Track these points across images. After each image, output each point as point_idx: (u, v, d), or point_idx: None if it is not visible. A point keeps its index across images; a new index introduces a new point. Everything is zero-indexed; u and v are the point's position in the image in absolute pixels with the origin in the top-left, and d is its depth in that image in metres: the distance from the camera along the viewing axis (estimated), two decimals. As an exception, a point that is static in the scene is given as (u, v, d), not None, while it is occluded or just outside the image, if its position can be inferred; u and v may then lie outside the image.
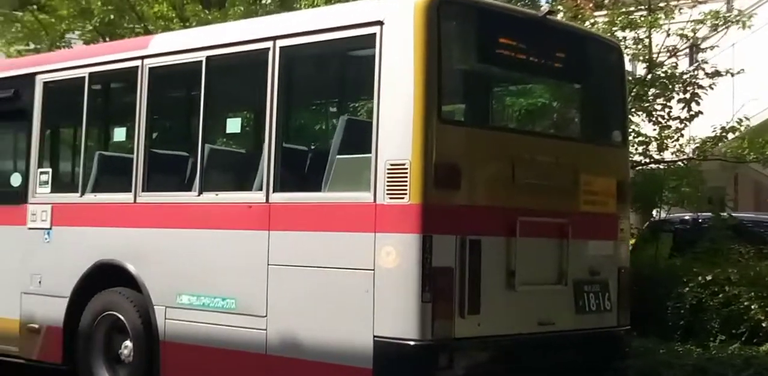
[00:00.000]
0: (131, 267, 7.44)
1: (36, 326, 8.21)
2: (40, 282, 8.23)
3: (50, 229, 8.18)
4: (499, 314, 6.15)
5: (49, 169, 8.35)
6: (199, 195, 7.05)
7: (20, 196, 8.53)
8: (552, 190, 6.55)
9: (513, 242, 6.21)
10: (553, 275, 6.57)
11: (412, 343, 5.73)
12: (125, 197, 7.58)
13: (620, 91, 7.47)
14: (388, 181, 5.87)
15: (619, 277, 7.12)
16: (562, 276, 6.60)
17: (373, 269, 5.90)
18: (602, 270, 6.96)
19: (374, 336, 5.88)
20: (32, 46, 14.42)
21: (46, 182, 8.31)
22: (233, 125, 7.26)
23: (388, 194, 5.87)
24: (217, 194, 6.96)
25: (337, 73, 6.88)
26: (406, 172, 5.79)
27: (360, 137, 6.19)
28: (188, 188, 7.26)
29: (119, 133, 8.08)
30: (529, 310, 6.38)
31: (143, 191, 7.46)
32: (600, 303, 6.88)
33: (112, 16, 12.76)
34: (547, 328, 6.47)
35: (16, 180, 8.81)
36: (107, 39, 13.82)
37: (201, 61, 7.08)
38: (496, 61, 6.50)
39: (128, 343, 7.54)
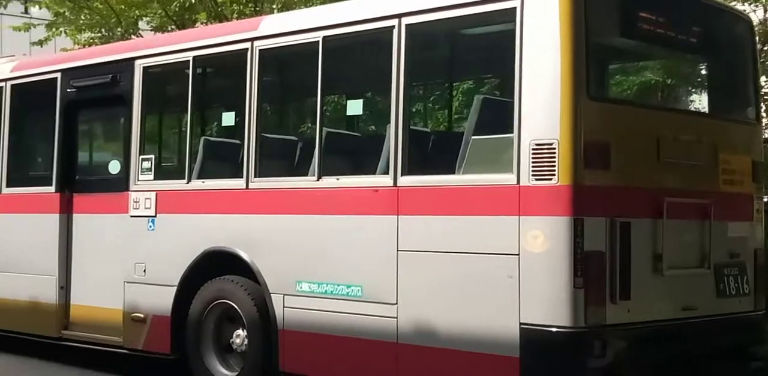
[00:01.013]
0: (244, 255, 7.25)
1: (141, 315, 8.05)
2: (144, 271, 8.07)
3: (154, 216, 8.01)
4: (647, 299, 5.89)
5: (152, 156, 8.18)
6: (318, 180, 6.83)
7: (121, 183, 8.37)
8: (694, 169, 6.28)
9: (660, 224, 5.95)
10: (696, 258, 6.30)
11: (564, 330, 5.49)
12: (236, 183, 7.38)
13: (752, 66, 7.17)
14: (533, 162, 5.62)
15: (756, 259, 6.84)
16: (704, 259, 6.33)
17: (518, 254, 5.66)
18: (740, 252, 6.68)
19: (520, 323, 5.64)
20: (103, 32, 14.23)
21: (149, 169, 8.13)
22: (354, 107, 7.02)
23: (533, 175, 5.62)
24: (338, 179, 6.74)
25: (470, 51, 6.63)
26: (554, 152, 5.54)
27: (498, 117, 5.95)
28: (305, 172, 7.04)
29: (227, 118, 7.86)
30: (674, 295, 6.11)
31: (256, 176, 7.25)
32: (739, 287, 6.60)
33: (193, 0, 12.52)
34: (690, 313, 6.21)
35: (115, 167, 8.66)
36: (178, 27, 13.64)
37: (317, 42, 6.85)
38: (636, 36, 6.22)
39: (241, 332, 7.36)
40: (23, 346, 9.46)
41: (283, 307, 6.98)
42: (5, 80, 9.71)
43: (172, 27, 14.20)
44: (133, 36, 13.85)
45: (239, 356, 7.45)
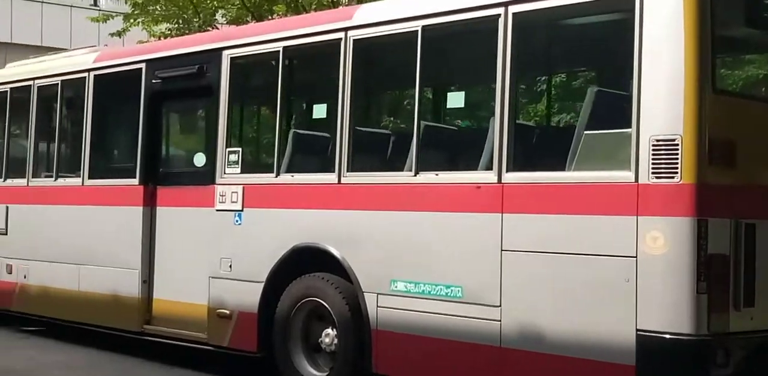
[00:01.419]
0: (335, 251, 7.02)
1: (227, 311, 7.87)
2: (230, 266, 7.89)
3: (241, 211, 7.82)
4: (770, 306, 5.55)
5: (239, 149, 7.98)
6: (415, 175, 6.57)
7: (206, 176, 8.20)
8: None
9: (786, 226, 5.59)
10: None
11: (685, 338, 5.17)
12: (328, 178, 7.15)
13: None
14: (653, 159, 5.30)
15: None
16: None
17: (635, 256, 5.35)
18: None
19: (637, 329, 5.33)
20: (180, 24, 14.10)
21: (236, 162, 7.94)
22: (455, 99, 6.75)
23: (653, 172, 5.30)
24: (437, 174, 6.47)
25: (581, 41, 6.32)
26: (677, 149, 5.21)
27: (613, 111, 5.64)
28: (399, 167, 6.78)
29: (319, 111, 7.64)
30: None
31: (349, 171, 7.02)
32: None
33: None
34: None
35: (200, 160, 8.49)
36: (255, 19, 13.46)
37: (416, 32, 6.59)
38: (761, 25, 5.84)
39: (330, 331, 7.14)
40: (104, 339, 9.36)
41: (377, 306, 6.73)
42: (88, 71, 9.61)
43: (248, 19, 14.05)
44: (209, 28, 13.69)
45: (328, 356, 7.23)
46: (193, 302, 8.32)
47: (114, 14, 15.18)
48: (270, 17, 13.29)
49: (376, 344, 6.74)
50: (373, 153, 7.30)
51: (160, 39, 14.15)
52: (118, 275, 9.01)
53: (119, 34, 14.46)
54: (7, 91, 10.79)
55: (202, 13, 13.56)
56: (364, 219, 6.86)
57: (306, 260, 7.31)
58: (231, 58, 8.03)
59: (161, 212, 8.76)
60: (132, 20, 14.23)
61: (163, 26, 14.23)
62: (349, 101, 7.03)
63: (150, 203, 8.82)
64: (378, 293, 6.73)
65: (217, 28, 13.92)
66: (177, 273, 8.55)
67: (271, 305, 7.50)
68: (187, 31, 14.30)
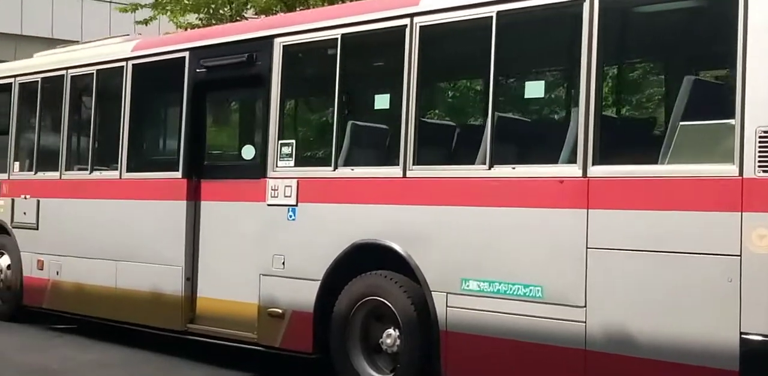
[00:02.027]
0: (400, 249, 6.71)
1: (279, 310, 7.56)
2: (283, 263, 7.57)
3: (295, 206, 7.50)
4: None
5: (292, 141, 7.66)
6: (489, 169, 6.25)
7: (256, 170, 7.88)
8: None
9: None
10: None
11: (796, 342, 4.87)
12: (392, 172, 6.83)
13: None
14: (760, 152, 4.98)
15: None
16: None
17: (740, 255, 5.03)
18: None
19: (741, 333, 5.02)
20: (210, 12, 13.74)
21: (289, 155, 7.62)
22: (534, 89, 6.41)
23: (760, 166, 4.98)
24: (513, 168, 6.15)
25: (677, 27, 5.99)
26: (788, 141, 4.91)
27: (712, 101, 5.34)
28: (470, 160, 6.46)
29: (381, 101, 7.30)
30: None
31: (414, 164, 6.70)
32: None
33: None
34: None
35: (248, 153, 8.18)
36: (287, 9, 13.13)
37: (490, 17, 6.26)
38: None
39: (392, 331, 6.83)
40: (140, 338, 9.06)
41: (446, 306, 6.42)
42: (126, 60, 9.29)
43: (276, 9, 13.72)
44: (238, 19, 13.35)
45: (389, 358, 6.93)
46: (241, 301, 8.01)
47: (142, 4, 14.82)
48: (301, 8, 12.96)
49: (445, 345, 6.43)
50: (440, 146, 6.98)
51: (186, 30, 13.80)
52: (159, 272, 8.70)
53: (146, 22, 14.13)
54: (37, 81, 10.48)
55: (234, 3, 13.22)
56: (432, 215, 6.55)
57: (367, 257, 6.99)
58: (284, 46, 7.71)
59: (206, 206, 8.45)
60: (160, 9, 13.89)
61: (192, 16, 13.89)
62: (414, 91, 6.71)
63: (194, 197, 8.50)
64: (448, 293, 6.41)
65: (246, 19, 13.59)
66: (223, 270, 8.25)
67: (328, 304, 7.20)
68: (215, 22, 13.97)
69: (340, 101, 7.31)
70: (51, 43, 29.39)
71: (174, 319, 8.51)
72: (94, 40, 10.71)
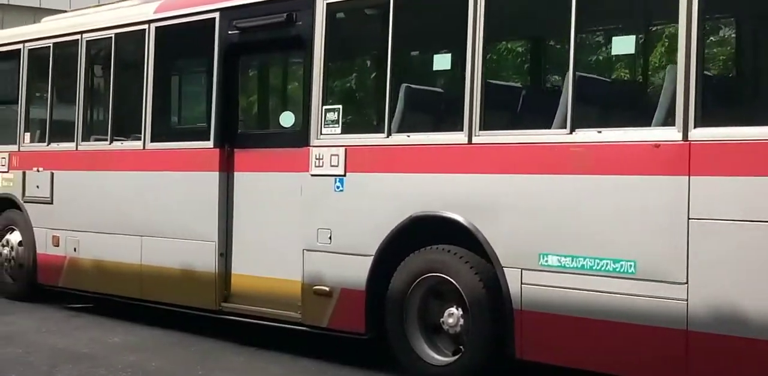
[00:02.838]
0: (465, 221, 6.19)
1: (326, 288, 7.04)
2: (330, 238, 7.05)
3: (343, 176, 6.96)
4: None
5: (339, 107, 7.09)
6: (571, 133, 5.72)
7: (298, 138, 7.34)
8: None
9: None
10: None
11: None
12: (455, 138, 6.29)
13: None
14: None
15: None
16: None
17: None
18: None
19: None
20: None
21: (335, 122, 7.07)
22: (622, 45, 5.85)
23: None
24: (599, 132, 5.62)
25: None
26: None
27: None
28: (547, 125, 5.93)
29: (441, 61, 6.73)
30: None
31: (481, 129, 6.17)
32: None
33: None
34: None
35: (288, 120, 7.64)
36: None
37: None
38: None
39: (454, 310, 6.34)
40: (175, 318, 8.53)
41: (521, 283, 5.91)
42: (148, 22, 8.69)
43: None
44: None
45: (450, 338, 6.44)
46: (281, 278, 7.50)
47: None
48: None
49: (520, 326, 5.92)
50: (508, 109, 6.45)
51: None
52: (189, 248, 8.16)
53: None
54: (49, 46, 9.86)
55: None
56: (504, 184, 6.02)
57: (426, 231, 6.48)
58: (327, 3, 7.13)
59: (240, 177, 7.90)
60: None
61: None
62: (480, 50, 6.16)
63: (226, 168, 7.95)
64: (522, 269, 5.90)
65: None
66: (260, 245, 7.72)
67: (382, 281, 6.69)
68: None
69: (394, 62, 6.75)
70: (39, 13, 29.09)
71: (207, 297, 7.98)
72: (108, 4, 10.10)
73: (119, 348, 7.77)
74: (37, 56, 10.10)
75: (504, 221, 6.00)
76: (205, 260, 7.99)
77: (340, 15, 7.22)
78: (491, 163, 6.10)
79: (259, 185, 7.75)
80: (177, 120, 9.10)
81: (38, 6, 30.33)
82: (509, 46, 6.80)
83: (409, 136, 6.62)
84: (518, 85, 6.70)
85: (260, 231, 7.72)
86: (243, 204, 7.87)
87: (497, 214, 6.04)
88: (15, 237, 10.22)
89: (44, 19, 10.82)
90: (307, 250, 7.21)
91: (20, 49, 10.20)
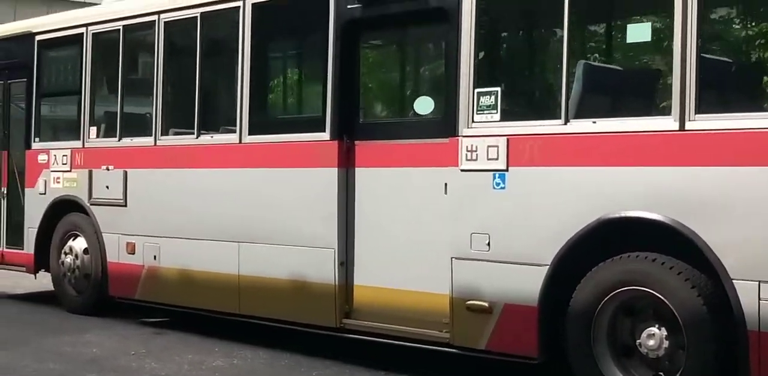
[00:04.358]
0: (678, 224, 5.11)
1: (484, 303, 5.97)
2: (488, 244, 5.98)
3: (505, 171, 5.89)
4: None
5: (496, 89, 6.01)
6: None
7: (440, 127, 6.28)
8: None
9: None
10: None
11: None
12: (662, 123, 5.22)
13: None
14: None
15: None
16: None
17: None
18: None
19: None
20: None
21: (491, 107, 5.99)
22: None
23: None
24: None
25: None
26: None
27: None
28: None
29: (638, 32, 5.55)
30: None
31: (697, 113, 5.09)
32: None
33: None
34: None
35: (425, 106, 6.60)
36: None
37: None
38: None
39: (655, 330, 5.29)
40: (281, 336, 7.46)
41: (759, 299, 4.85)
42: (243, -1, 7.61)
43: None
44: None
45: (647, 363, 5.38)
46: (420, 290, 6.44)
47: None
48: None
49: (757, 352, 4.85)
50: (730, 89, 5.38)
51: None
52: (301, 256, 7.09)
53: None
54: (118, 29, 8.77)
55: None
56: (735, 179, 4.94)
57: (619, 236, 5.42)
58: (478, -26, 6.07)
59: (363, 174, 6.83)
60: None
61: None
62: (695, 16, 5.09)
63: (346, 163, 6.87)
64: (761, 282, 4.84)
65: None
66: (390, 253, 6.65)
67: (559, 295, 5.63)
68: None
69: (570, 36, 5.67)
70: (52, 4, 28.05)
71: (325, 313, 6.91)
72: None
73: (230, 374, 6.69)
74: (104, 41, 9.02)
75: (735, 224, 4.93)
76: (322, 270, 6.92)
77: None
78: (714, 154, 5.02)
79: (388, 183, 6.68)
80: (281, 109, 7.98)
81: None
82: (726, 13, 5.71)
83: (594, 122, 5.54)
84: (728, 60, 5.62)
85: (390, 236, 6.65)
86: (367, 205, 6.80)
87: (725, 216, 4.96)
88: (79, 244, 9.14)
89: (105, 1, 9.72)
90: (457, 258, 6.14)
91: (83, 34, 9.11)
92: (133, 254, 8.50)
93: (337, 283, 6.85)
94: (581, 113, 5.62)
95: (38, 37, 9.67)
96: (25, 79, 9.84)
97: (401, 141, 6.61)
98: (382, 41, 7.13)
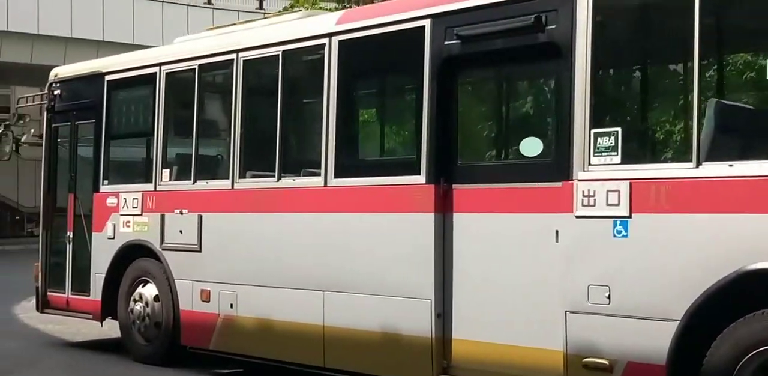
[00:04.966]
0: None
1: (604, 361, 5.50)
2: (608, 297, 5.52)
3: (628, 217, 5.45)
4: None
5: (616, 129, 5.58)
6: None
7: (552, 170, 5.88)
8: None
9: None
10: None
11: None
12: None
13: None
14: None
15: None
16: None
17: None
18: None
19: None
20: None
21: (610, 148, 5.56)
22: None
23: None
24: None
25: None
26: None
27: None
28: None
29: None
30: None
31: None
32: None
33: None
34: None
35: (533, 147, 6.18)
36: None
37: None
38: None
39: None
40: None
41: None
42: (329, 36, 7.27)
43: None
44: None
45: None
46: (529, 346, 5.99)
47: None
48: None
49: None
50: None
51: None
52: (394, 306, 6.66)
53: (291, 6, 12.17)
54: (194, 68, 8.46)
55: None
56: None
57: (761, 290, 4.94)
58: (594, 1, 5.69)
59: (461, 219, 6.41)
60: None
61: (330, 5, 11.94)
62: None
63: (443, 208, 6.46)
64: None
65: None
66: (494, 304, 6.20)
67: (691, 353, 5.15)
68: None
69: (701, 71, 5.25)
70: (102, 46, 28.28)
71: (420, 368, 6.46)
72: (256, 20, 8.74)
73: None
74: (178, 81, 8.72)
75: None
76: (417, 322, 6.49)
77: (612, 14, 5.77)
78: None
79: (490, 230, 6.25)
80: (371, 151, 7.59)
81: (101, 39, 29.59)
82: None
83: (731, 165, 5.10)
84: None
85: (492, 287, 6.21)
86: (466, 253, 6.37)
87: None
88: (149, 291, 8.77)
89: (177, 40, 9.47)
90: (572, 311, 5.68)
91: (155, 74, 8.82)
92: (208, 301, 8.11)
93: (433, 336, 6.41)
94: (715, 156, 5.19)
95: (108, 78, 9.40)
96: (93, 120, 9.56)
97: (505, 185, 6.20)
98: (483, 78, 6.74)
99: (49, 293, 9.97)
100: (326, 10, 12.10)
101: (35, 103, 10.63)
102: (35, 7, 29.37)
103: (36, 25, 29.47)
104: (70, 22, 29.80)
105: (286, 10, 12.41)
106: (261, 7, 32.94)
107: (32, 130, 10.80)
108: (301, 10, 8.45)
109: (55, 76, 10.18)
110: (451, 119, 6.53)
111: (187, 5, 32.28)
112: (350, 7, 11.52)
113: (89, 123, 9.65)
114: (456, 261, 6.42)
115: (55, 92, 10.05)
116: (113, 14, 30.30)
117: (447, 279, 6.45)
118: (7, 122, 10.65)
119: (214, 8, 32.71)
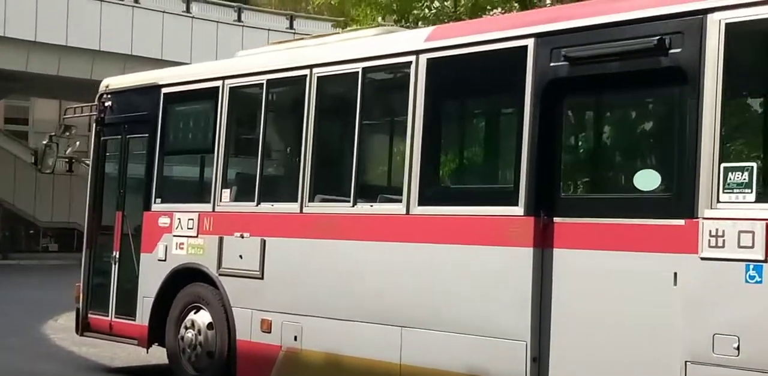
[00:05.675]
0: None
1: (730, 421, 5.00)
2: (737, 348, 5.02)
3: (763, 262, 4.96)
4: None
5: (751, 165, 5.09)
6: None
7: (672, 206, 5.39)
8: None
9: None
10: None
11: None
12: None
13: None
14: None
15: None
16: None
17: None
18: None
19: None
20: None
21: (743, 185, 5.08)
22: None
23: None
24: None
25: None
26: None
27: None
28: None
29: None
30: None
31: None
32: None
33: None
34: None
35: (649, 180, 5.69)
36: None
37: None
38: None
39: None
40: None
41: None
42: (416, 53, 6.80)
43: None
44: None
45: None
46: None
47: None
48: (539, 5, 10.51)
49: None
50: None
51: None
52: (483, 347, 6.15)
53: (345, 24, 11.80)
54: (261, 83, 7.99)
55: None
56: None
57: None
58: (727, 23, 5.22)
59: (563, 256, 5.91)
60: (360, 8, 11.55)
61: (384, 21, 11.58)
62: None
63: (543, 243, 5.97)
64: None
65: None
66: (598, 350, 5.69)
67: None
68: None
69: None
70: (129, 60, 28.04)
71: (512, 417, 5.95)
72: (329, 34, 8.30)
73: None
74: (243, 95, 8.27)
75: None
76: (510, 366, 5.98)
77: (745, 38, 5.29)
78: None
79: (596, 268, 5.75)
80: (461, 178, 7.08)
81: (129, 53, 29.32)
82: None
83: None
84: None
85: (596, 331, 5.70)
86: (568, 292, 5.86)
87: None
88: (203, 318, 8.25)
89: (239, 53, 9.02)
90: (693, 362, 5.18)
91: (218, 88, 8.35)
92: (269, 332, 7.60)
93: (528, 382, 5.91)
94: None
95: (165, 90, 8.93)
96: (147, 135, 9.08)
97: (614, 220, 5.69)
98: (592, 103, 6.25)
99: (90, 316, 9.46)
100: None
101: (83, 114, 10.15)
102: (64, 20, 29.09)
103: (65, 38, 29.20)
104: (99, 36, 29.52)
105: (341, 25, 12.00)
106: (291, 26, 32.63)
107: (77, 143, 10.37)
108: (378, 27, 7.94)
109: (107, 87, 9.71)
110: (553, 146, 6.05)
111: (217, 22, 32.01)
112: (411, 27, 11.05)
113: (142, 137, 9.18)
114: (556, 301, 5.91)
115: (106, 104, 9.58)
116: (142, 29, 30.06)
117: (545, 320, 5.94)
118: (53, 133, 10.19)
119: (244, 26, 32.42)
